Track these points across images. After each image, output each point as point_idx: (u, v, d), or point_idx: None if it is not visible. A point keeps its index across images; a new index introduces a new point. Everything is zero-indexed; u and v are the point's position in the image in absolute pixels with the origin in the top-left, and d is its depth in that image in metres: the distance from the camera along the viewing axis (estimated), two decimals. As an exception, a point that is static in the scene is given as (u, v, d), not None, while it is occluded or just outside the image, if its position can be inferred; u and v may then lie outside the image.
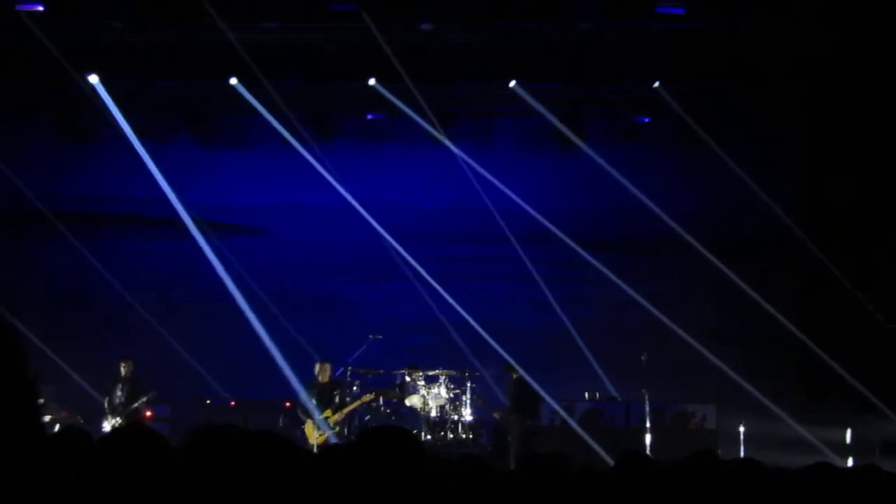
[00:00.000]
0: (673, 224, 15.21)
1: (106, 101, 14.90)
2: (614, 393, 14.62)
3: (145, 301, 15.01)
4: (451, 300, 15.40)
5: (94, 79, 14.80)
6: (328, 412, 12.39)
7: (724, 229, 15.59)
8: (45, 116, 15.81)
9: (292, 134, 15.53)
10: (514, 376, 13.13)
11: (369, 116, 15.69)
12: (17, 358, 1.97)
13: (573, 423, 13.10)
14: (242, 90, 15.05)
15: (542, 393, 13.30)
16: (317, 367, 12.68)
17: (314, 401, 12.49)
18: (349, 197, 15.63)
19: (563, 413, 13.18)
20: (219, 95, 15.44)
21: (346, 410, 12.55)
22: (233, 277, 15.17)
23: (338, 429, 12.39)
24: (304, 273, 16.27)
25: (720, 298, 15.83)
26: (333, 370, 12.96)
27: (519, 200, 15.58)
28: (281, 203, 16.51)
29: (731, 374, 14.37)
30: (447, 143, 15.61)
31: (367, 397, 13.05)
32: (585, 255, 15.50)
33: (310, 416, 12.47)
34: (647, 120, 15.82)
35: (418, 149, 15.72)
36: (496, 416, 13.41)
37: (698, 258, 15.39)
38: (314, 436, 12.33)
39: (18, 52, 13.60)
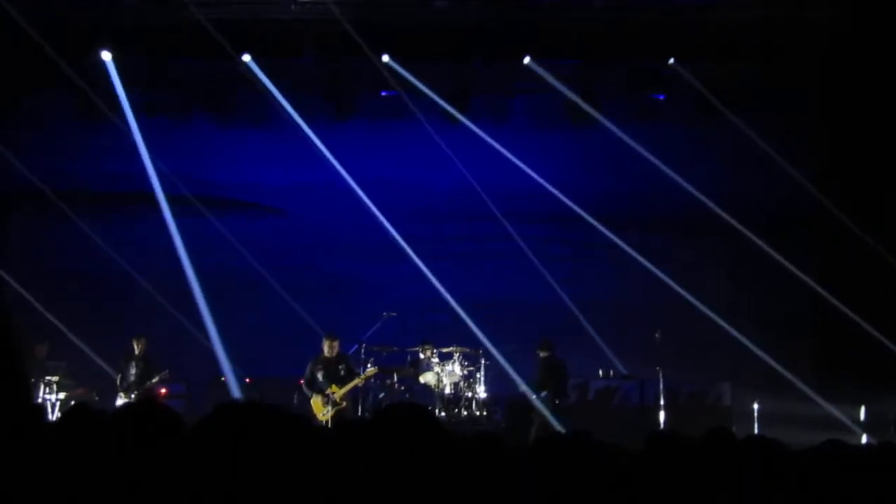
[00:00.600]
0: (694, 194, 15.08)
1: (114, 79, 14.90)
2: (627, 372, 14.60)
3: (160, 279, 15.00)
4: (465, 278, 15.38)
5: (106, 56, 14.79)
6: (334, 387, 12.39)
7: (742, 204, 15.44)
8: (58, 95, 15.76)
9: (308, 112, 15.49)
10: (542, 355, 13.07)
11: (384, 94, 15.61)
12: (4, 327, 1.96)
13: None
14: (255, 68, 15.01)
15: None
16: (325, 343, 12.66)
17: (321, 376, 12.48)
18: (364, 176, 15.61)
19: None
20: (234, 74, 15.37)
21: (351, 385, 12.55)
22: (247, 256, 15.19)
23: (344, 403, 12.40)
24: (318, 252, 16.24)
25: (738, 274, 15.77)
26: (342, 346, 12.92)
27: (536, 177, 15.50)
28: (297, 182, 16.43)
29: (747, 350, 14.33)
30: (463, 120, 15.55)
31: (372, 371, 13.07)
32: (603, 230, 15.42)
33: (318, 390, 12.45)
34: (662, 97, 15.72)
35: (433, 127, 15.61)
36: (522, 390, 13.36)
37: (716, 233, 15.34)
38: (321, 411, 12.34)
39: (31, 29, 13.55)
